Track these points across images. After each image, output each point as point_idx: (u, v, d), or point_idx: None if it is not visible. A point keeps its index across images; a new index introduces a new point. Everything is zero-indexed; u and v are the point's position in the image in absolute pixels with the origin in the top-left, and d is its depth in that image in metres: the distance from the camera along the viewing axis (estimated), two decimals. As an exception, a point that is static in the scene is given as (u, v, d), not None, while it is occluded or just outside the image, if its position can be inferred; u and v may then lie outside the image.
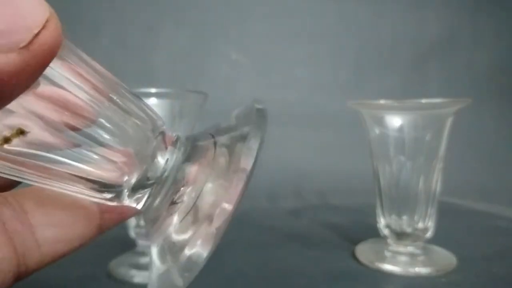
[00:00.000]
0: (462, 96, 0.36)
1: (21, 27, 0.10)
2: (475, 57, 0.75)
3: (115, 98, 0.14)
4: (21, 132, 0.12)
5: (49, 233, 0.16)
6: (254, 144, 0.14)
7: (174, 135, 0.16)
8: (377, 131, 0.37)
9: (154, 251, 0.16)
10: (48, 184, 0.14)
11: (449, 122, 0.36)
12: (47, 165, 0.13)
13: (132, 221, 0.38)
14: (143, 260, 0.38)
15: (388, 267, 0.36)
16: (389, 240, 0.38)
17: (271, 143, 0.69)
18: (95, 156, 0.14)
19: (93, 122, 0.13)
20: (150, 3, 0.71)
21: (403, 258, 0.37)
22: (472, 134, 0.69)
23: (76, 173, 0.14)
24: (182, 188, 0.15)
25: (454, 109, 0.35)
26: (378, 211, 0.39)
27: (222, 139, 0.16)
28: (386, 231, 0.38)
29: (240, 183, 0.13)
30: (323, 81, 0.73)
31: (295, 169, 0.67)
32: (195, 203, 0.15)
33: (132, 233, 0.38)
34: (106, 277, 0.37)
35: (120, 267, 0.38)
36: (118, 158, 0.14)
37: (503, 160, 0.71)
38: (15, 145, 0.12)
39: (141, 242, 0.39)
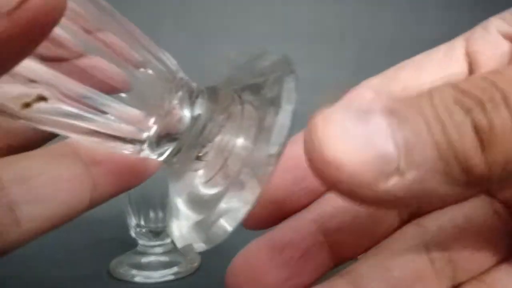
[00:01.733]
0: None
1: None
2: (475, 57, 0.75)
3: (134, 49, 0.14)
4: (41, 98, 0.12)
5: (30, 210, 0.14)
6: (287, 107, 0.14)
7: (197, 87, 0.16)
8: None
9: (180, 202, 0.15)
10: (79, 137, 0.14)
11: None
12: (71, 122, 0.13)
13: (132, 221, 0.38)
14: (144, 260, 0.38)
15: (388, 266, 0.36)
16: (389, 240, 0.38)
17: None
18: (115, 112, 0.14)
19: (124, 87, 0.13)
20: (150, 3, 0.72)
21: (403, 258, 0.37)
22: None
23: (98, 129, 0.14)
24: (209, 144, 0.15)
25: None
26: (378, 211, 0.39)
27: (248, 96, 0.15)
28: (386, 231, 0.38)
29: (278, 141, 0.13)
30: (323, 81, 0.73)
31: (295, 169, 0.67)
32: (224, 158, 0.15)
33: (132, 233, 0.38)
34: (107, 276, 0.37)
35: (121, 267, 0.38)
36: (137, 111, 0.14)
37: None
38: (37, 110, 0.12)
39: (141, 242, 0.39)
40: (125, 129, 0.14)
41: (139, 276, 0.36)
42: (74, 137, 0.14)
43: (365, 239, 0.16)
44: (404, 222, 0.17)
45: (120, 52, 0.14)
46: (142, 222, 0.38)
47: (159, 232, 0.38)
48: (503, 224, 0.16)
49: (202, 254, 0.40)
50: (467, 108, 0.11)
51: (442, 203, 0.13)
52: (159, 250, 0.38)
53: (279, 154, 0.13)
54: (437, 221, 0.16)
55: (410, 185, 0.11)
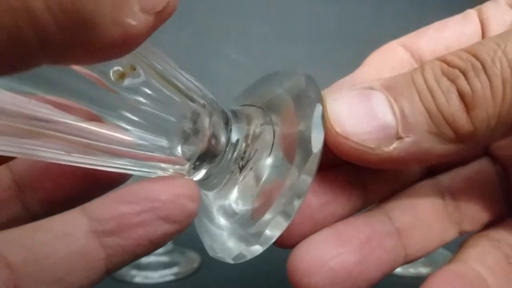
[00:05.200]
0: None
1: None
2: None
3: (171, 78, 0.14)
4: (133, 68, 0.13)
5: None
6: (315, 147, 0.14)
7: (228, 111, 0.16)
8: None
9: (219, 217, 0.16)
10: (116, 167, 0.14)
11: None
12: (114, 147, 0.14)
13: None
14: (144, 260, 0.38)
15: (388, 267, 0.36)
16: (389, 240, 0.38)
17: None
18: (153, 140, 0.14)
19: None
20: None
21: (403, 258, 0.37)
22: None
23: (144, 158, 0.14)
24: (241, 163, 0.16)
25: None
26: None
27: (276, 119, 0.16)
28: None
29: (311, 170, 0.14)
30: (324, 81, 0.73)
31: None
32: (256, 178, 0.15)
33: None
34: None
35: (120, 267, 0.38)
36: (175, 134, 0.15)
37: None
38: (124, 88, 0.13)
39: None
40: (161, 144, 0.14)
41: (139, 276, 0.36)
42: (118, 150, 0.14)
43: (391, 184, 0.18)
44: (422, 177, 0.19)
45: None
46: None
47: (159, 232, 0.38)
48: (502, 184, 0.18)
49: (202, 254, 0.40)
50: (452, 77, 0.13)
51: (439, 160, 0.14)
52: (159, 250, 0.38)
53: (311, 179, 0.14)
54: (449, 176, 0.18)
55: (409, 147, 0.14)
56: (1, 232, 0.14)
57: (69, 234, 0.14)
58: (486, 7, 0.18)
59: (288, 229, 0.15)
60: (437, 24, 0.19)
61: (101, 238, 0.14)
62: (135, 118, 0.14)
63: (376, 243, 0.16)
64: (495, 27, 0.17)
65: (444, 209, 0.18)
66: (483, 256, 0.16)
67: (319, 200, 0.16)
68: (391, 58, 0.17)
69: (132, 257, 0.15)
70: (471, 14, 0.18)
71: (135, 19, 0.09)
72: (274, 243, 0.16)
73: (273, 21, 0.73)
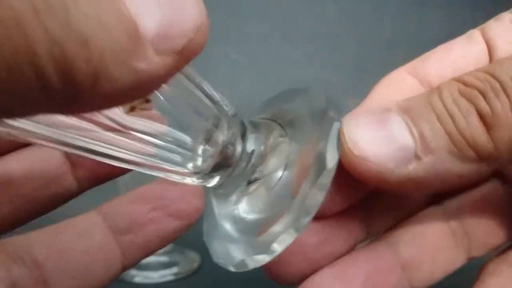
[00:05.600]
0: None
1: (180, 30, 0.09)
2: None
3: (190, 86, 0.14)
4: (146, 101, 0.13)
5: (63, 285, 0.15)
6: (330, 162, 0.14)
7: (246, 122, 0.16)
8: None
9: (226, 224, 0.16)
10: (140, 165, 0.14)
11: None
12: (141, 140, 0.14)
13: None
14: (143, 260, 0.38)
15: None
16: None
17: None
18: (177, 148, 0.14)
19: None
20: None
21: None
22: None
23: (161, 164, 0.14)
24: (255, 174, 0.16)
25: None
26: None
27: (294, 137, 0.16)
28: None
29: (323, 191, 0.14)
30: (323, 80, 0.73)
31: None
32: (267, 190, 0.15)
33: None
34: (106, 277, 0.37)
35: (120, 267, 0.38)
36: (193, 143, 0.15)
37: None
38: (132, 120, 0.13)
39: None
40: (178, 154, 0.15)
41: (139, 277, 0.36)
42: (136, 159, 0.14)
43: (395, 213, 0.18)
44: (429, 204, 0.18)
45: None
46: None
47: (159, 232, 0.38)
48: None
49: (202, 254, 0.40)
50: (471, 98, 0.13)
51: (460, 180, 0.14)
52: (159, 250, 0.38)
53: (323, 197, 0.14)
54: (457, 201, 0.18)
55: (428, 168, 0.13)
56: (27, 233, 0.15)
57: (87, 233, 0.15)
58: (489, 26, 0.18)
59: (287, 265, 0.15)
60: (442, 48, 0.18)
61: (116, 236, 0.15)
62: (147, 138, 0.14)
63: (380, 279, 0.16)
64: (502, 46, 0.17)
65: (452, 237, 0.17)
66: (505, 286, 0.16)
67: (318, 237, 0.16)
68: (400, 86, 0.17)
69: (145, 253, 0.16)
70: (475, 34, 0.18)
71: (147, 64, 0.09)
72: (272, 279, 0.16)
73: (273, 21, 0.73)
